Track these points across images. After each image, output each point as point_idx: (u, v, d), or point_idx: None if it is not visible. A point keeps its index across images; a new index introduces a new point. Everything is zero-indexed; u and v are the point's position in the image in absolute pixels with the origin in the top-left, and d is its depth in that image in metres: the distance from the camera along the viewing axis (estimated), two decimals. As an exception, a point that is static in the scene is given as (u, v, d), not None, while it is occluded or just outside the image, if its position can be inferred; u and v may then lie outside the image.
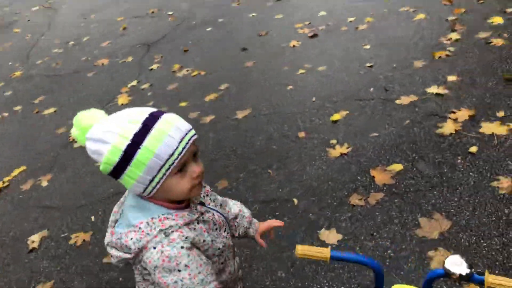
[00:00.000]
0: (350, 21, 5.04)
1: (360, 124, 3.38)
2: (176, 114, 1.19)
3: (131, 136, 1.09)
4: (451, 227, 2.43)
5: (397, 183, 2.81)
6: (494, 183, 2.60)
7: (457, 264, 1.22)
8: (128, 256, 1.16)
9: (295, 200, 2.89)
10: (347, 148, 3.17)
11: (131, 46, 6.10)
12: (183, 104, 4.33)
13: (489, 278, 1.17)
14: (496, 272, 2.14)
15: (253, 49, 5.09)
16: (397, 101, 3.50)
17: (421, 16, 4.69)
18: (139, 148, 1.09)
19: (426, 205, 2.60)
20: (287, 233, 2.69)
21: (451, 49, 3.96)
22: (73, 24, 7.76)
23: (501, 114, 3.07)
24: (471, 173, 2.72)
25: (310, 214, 2.77)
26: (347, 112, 3.54)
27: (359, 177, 2.92)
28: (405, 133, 3.18)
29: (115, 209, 1.31)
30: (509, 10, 4.26)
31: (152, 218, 1.16)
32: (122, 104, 4.62)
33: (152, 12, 7.26)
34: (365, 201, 2.74)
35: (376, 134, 3.23)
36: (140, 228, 1.15)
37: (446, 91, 3.45)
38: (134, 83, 5.03)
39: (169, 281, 1.13)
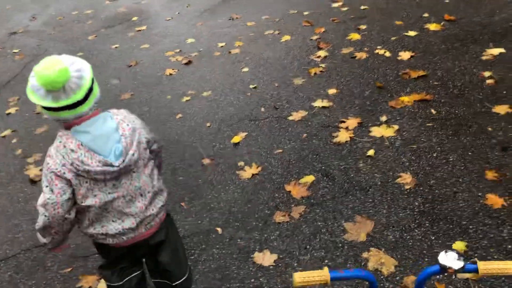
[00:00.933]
0: (221, 46, 5.13)
1: (262, 143, 3.42)
2: None
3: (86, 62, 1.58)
4: (375, 227, 2.58)
5: (313, 193, 2.90)
6: (398, 180, 2.85)
7: (450, 258, 1.25)
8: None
9: (219, 229, 2.78)
10: (257, 168, 3.18)
11: (-25, 91, 5.30)
12: (60, 147, 3.88)
13: (481, 265, 1.23)
14: (426, 260, 2.33)
15: (125, 80, 4.84)
16: (290, 118, 3.64)
17: (286, 37, 4.99)
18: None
19: (346, 210, 2.72)
20: (220, 264, 2.57)
21: (323, 65, 4.29)
22: None
23: (384, 118, 3.40)
24: (375, 174, 2.94)
25: (239, 240, 2.69)
26: (246, 133, 3.56)
27: (276, 195, 2.94)
28: (306, 146, 3.31)
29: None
30: (362, 27, 4.79)
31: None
32: (-18, 157, 3.97)
33: (-7, 51, 6.45)
34: (289, 216, 2.76)
35: (280, 150, 3.31)
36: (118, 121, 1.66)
37: (330, 103, 3.70)
38: (-9, 131, 4.38)
39: None
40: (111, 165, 1.57)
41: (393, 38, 4.45)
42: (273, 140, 3.43)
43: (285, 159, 3.22)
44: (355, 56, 4.30)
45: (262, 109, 3.83)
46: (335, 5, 5.51)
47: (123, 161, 1.60)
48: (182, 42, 5.46)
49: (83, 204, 1.63)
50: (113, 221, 1.71)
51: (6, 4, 8.54)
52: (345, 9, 5.34)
